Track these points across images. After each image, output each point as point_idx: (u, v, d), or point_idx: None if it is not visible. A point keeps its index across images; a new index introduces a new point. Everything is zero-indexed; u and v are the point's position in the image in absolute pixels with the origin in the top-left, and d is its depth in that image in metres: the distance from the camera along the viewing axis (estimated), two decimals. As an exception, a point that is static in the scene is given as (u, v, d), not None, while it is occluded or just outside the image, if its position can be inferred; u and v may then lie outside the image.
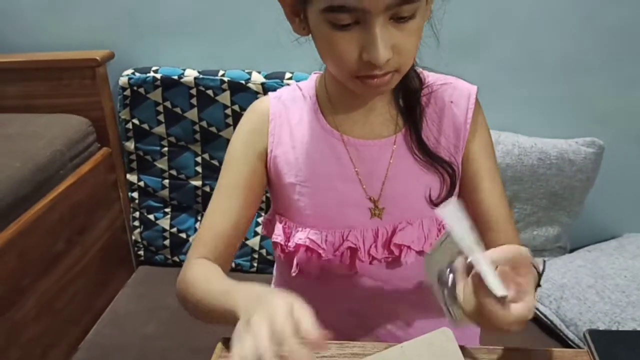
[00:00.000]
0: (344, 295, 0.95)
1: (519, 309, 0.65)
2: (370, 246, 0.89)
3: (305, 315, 0.58)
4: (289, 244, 0.91)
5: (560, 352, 0.80)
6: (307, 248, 0.89)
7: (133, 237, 1.78)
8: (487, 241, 0.91)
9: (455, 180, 0.90)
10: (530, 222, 1.65)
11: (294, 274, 0.91)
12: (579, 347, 1.37)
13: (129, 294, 1.65)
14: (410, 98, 0.90)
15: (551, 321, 1.45)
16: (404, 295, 0.94)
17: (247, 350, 0.56)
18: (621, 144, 1.65)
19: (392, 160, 0.89)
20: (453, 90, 0.91)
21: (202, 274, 0.84)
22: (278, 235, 0.92)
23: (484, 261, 0.64)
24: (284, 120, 0.91)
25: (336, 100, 0.90)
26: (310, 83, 0.94)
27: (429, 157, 0.89)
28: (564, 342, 1.42)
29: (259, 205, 0.94)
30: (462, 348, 0.64)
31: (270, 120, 0.91)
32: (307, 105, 0.92)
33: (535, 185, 1.60)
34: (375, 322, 0.96)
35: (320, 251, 0.89)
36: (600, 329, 1.35)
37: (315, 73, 0.95)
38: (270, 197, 0.98)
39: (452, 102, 0.90)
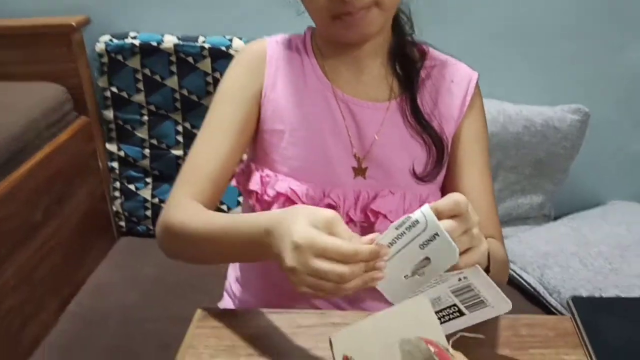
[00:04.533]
0: None
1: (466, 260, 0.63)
2: (350, 207, 0.88)
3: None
4: (268, 192, 0.89)
5: (544, 319, 0.80)
6: (287, 199, 0.87)
7: (114, 208, 1.75)
8: None
9: (443, 156, 0.89)
10: (514, 190, 1.64)
11: None
12: (562, 314, 1.37)
13: (110, 264, 1.63)
14: (408, 66, 0.90)
15: (534, 289, 1.45)
16: None
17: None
18: (606, 111, 1.64)
19: (383, 126, 0.88)
20: (455, 71, 0.92)
21: (202, 210, 0.81)
22: (255, 184, 0.90)
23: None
24: (280, 65, 0.90)
25: (327, 54, 0.90)
26: (304, 36, 0.93)
27: (421, 125, 0.88)
28: (547, 310, 1.42)
29: (246, 150, 0.92)
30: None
31: (267, 61, 0.90)
32: (302, 54, 0.91)
33: (520, 153, 1.59)
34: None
35: (300, 204, 0.87)
36: (583, 296, 1.36)
37: (309, 28, 0.94)
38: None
39: (452, 81, 0.91)
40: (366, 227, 0.89)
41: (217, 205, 0.89)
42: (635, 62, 1.61)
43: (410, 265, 0.62)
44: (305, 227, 0.61)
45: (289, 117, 0.88)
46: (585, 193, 1.75)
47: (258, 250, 0.70)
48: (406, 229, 0.60)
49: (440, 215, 0.60)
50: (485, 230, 0.85)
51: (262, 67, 0.90)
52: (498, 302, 0.66)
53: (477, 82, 0.92)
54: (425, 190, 0.90)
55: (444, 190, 0.93)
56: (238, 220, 0.75)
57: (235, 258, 0.85)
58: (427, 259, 0.61)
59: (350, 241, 0.60)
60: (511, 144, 1.57)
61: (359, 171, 0.89)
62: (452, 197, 0.61)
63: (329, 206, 0.88)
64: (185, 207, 0.83)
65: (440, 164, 0.90)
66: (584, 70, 1.62)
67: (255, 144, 0.93)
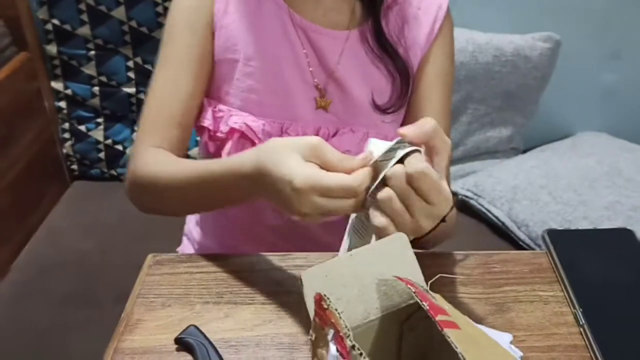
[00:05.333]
0: None
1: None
2: None
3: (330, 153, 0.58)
4: (221, 128, 0.82)
5: (518, 254, 0.76)
6: (242, 135, 0.81)
7: (64, 151, 1.65)
8: None
9: (408, 85, 0.83)
10: (483, 123, 1.60)
11: None
12: (530, 248, 1.36)
13: (63, 210, 1.56)
14: None
15: (503, 223, 1.43)
16: None
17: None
18: (577, 40, 1.59)
19: (342, 59, 0.82)
20: None
21: (170, 160, 0.76)
22: (207, 120, 0.83)
23: None
24: None
25: None
26: None
27: (387, 53, 0.81)
28: (516, 244, 1.41)
29: (207, 82, 0.84)
30: (417, 254, 0.58)
31: None
32: None
33: (490, 84, 1.54)
34: (310, 231, 0.89)
35: (256, 141, 0.81)
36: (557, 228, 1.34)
37: None
38: None
39: (419, 8, 0.83)
40: None
41: (186, 149, 0.83)
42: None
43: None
44: (299, 167, 0.57)
45: (243, 45, 0.81)
46: (554, 125, 1.72)
47: (245, 192, 0.65)
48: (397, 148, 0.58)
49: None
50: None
51: None
52: None
53: (447, 9, 0.84)
54: (392, 130, 0.84)
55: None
56: (217, 163, 0.69)
57: (216, 204, 0.79)
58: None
59: (342, 164, 0.58)
60: (481, 75, 1.52)
61: (321, 103, 0.82)
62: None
63: None
64: (153, 157, 0.77)
65: (405, 95, 0.84)
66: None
67: (210, 75, 0.85)
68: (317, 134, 0.82)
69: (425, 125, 0.57)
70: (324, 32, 0.81)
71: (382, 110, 0.83)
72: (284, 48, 0.81)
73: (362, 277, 0.52)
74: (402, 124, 0.87)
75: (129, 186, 0.80)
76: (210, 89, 0.85)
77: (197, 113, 0.83)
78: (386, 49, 0.82)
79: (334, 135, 0.82)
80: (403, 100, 0.84)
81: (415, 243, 0.58)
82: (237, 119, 0.81)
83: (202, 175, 0.70)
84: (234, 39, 0.81)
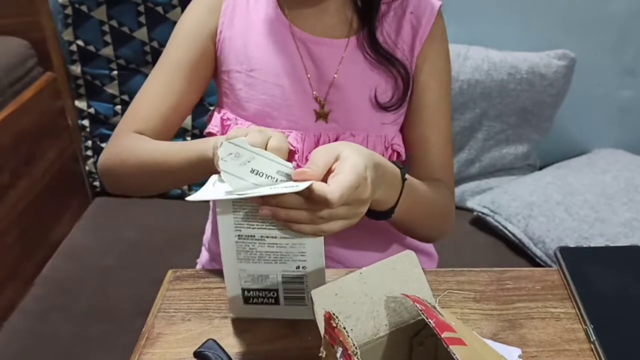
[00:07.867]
0: None
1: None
2: (310, 152, 0.84)
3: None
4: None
5: (530, 271, 0.77)
6: None
7: (87, 168, 1.69)
8: (420, 177, 0.85)
9: (409, 85, 0.86)
10: (499, 140, 1.60)
11: None
12: (547, 265, 1.36)
13: (85, 226, 1.58)
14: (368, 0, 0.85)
15: (519, 239, 1.43)
16: None
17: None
18: (592, 56, 1.59)
19: (341, 66, 0.85)
20: (416, 2, 0.87)
21: (144, 140, 0.81)
22: (214, 126, 0.88)
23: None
24: (238, 2, 0.86)
25: None
26: None
27: (382, 56, 0.84)
28: (532, 261, 1.41)
29: (203, 92, 0.89)
30: (426, 271, 0.59)
31: None
32: None
33: (505, 102, 1.55)
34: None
35: None
36: (569, 246, 1.34)
37: None
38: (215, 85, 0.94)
39: (412, 12, 0.86)
40: (329, 171, 0.86)
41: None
42: (623, 6, 1.56)
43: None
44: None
45: (244, 58, 0.85)
46: (570, 141, 1.71)
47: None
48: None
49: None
50: (434, 173, 0.86)
51: (219, 5, 0.86)
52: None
53: (439, 11, 0.87)
54: (392, 131, 0.87)
55: (403, 131, 0.90)
56: (186, 142, 0.77)
57: (179, 178, 0.84)
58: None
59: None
60: (495, 92, 1.53)
61: (321, 114, 0.85)
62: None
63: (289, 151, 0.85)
64: (132, 140, 0.81)
65: (406, 93, 0.86)
66: (570, 14, 1.57)
67: (218, 84, 0.90)
68: (317, 142, 0.85)
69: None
70: (323, 42, 0.84)
71: (383, 108, 0.85)
72: (283, 61, 0.84)
73: (371, 295, 0.54)
74: (403, 125, 0.89)
75: (103, 164, 0.85)
76: (220, 98, 0.89)
77: (184, 113, 0.87)
78: (384, 57, 0.84)
79: (335, 141, 0.84)
80: (403, 99, 0.86)
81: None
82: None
83: (175, 148, 0.76)
84: (236, 50, 0.85)
